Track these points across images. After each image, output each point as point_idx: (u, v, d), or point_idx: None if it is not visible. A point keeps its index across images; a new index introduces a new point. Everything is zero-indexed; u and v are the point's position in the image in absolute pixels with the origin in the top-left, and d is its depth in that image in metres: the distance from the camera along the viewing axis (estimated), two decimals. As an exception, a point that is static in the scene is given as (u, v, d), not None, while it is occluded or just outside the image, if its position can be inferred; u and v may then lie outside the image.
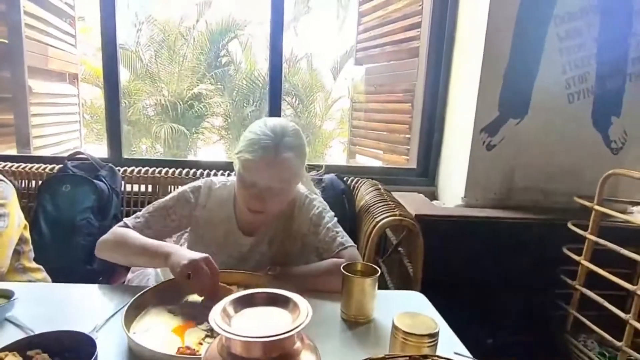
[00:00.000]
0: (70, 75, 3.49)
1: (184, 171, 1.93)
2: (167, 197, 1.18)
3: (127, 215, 1.88)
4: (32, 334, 0.73)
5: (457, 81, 2.22)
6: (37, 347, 0.65)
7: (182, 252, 0.95)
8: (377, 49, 3.06)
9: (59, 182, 1.70)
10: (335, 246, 1.07)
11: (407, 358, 0.49)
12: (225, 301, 0.53)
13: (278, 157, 1.01)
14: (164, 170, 1.93)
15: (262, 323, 0.51)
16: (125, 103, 8.51)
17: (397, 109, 2.86)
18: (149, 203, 1.88)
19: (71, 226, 1.62)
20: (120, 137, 2.29)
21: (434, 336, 0.62)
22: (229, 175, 1.80)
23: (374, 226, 1.25)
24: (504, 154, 2.04)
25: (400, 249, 1.46)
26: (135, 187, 1.93)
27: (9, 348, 0.63)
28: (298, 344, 0.50)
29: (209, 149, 9.88)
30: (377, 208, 1.37)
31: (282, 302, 0.53)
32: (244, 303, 0.54)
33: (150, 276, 1.51)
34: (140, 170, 1.91)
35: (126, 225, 1.10)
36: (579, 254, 1.73)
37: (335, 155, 9.95)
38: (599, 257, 1.70)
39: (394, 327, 0.65)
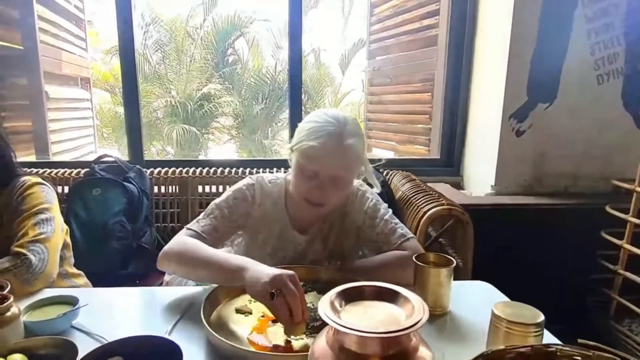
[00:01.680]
0: (82, 79, 3.47)
1: (211, 170, 1.91)
2: (224, 197, 1.13)
3: (158, 218, 1.88)
4: (105, 340, 0.71)
5: (481, 68, 2.18)
6: (116, 354, 0.63)
7: (260, 267, 0.84)
8: (392, 39, 3.02)
9: (89, 186, 1.69)
10: (395, 238, 1.05)
11: (529, 348, 0.46)
12: (332, 294, 0.51)
13: (344, 143, 0.98)
14: (191, 170, 1.90)
15: (374, 318, 0.48)
16: None
17: (416, 100, 2.82)
18: (178, 204, 1.90)
19: (104, 230, 1.61)
20: (141, 138, 2.27)
21: (539, 325, 0.60)
22: (270, 172, 1.77)
23: (422, 216, 1.22)
24: (534, 139, 2.01)
25: (441, 239, 1.44)
26: (162, 188, 1.91)
27: (90, 356, 0.61)
28: (414, 340, 0.48)
29: (219, 149, 9.84)
30: (420, 199, 1.34)
31: (390, 297, 0.51)
32: (350, 296, 0.51)
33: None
34: (167, 171, 1.89)
35: (196, 233, 1.03)
36: (617, 238, 1.70)
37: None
38: (636, 240, 1.67)
39: (496, 317, 0.63)
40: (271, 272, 0.80)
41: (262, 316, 0.86)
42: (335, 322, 0.46)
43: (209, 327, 0.75)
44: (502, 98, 1.97)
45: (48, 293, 0.90)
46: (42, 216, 1.11)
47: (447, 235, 1.38)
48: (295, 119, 2.39)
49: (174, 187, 1.88)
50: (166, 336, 0.70)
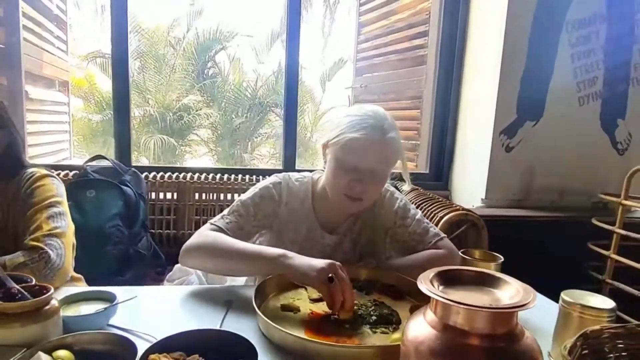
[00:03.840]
0: (61, 82, 3.33)
1: (210, 176, 1.87)
2: (249, 195, 1.10)
3: (154, 224, 1.80)
4: (152, 338, 0.65)
5: (470, 86, 2.28)
6: (177, 349, 0.58)
7: (304, 257, 0.88)
8: (380, 58, 3.11)
9: (83, 187, 1.60)
10: (429, 237, 1.05)
11: (623, 329, 0.48)
12: (429, 275, 0.51)
13: (386, 136, 0.98)
14: (189, 175, 1.85)
15: (477, 298, 0.48)
16: (111, 114, 8.17)
17: (404, 116, 2.90)
18: (175, 210, 1.83)
19: (100, 234, 1.52)
20: (129, 143, 2.20)
21: (613, 310, 0.62)
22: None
23: (438, 222, 1.24)
24: (522, 155, 2.10)
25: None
26: (155, 195, 1.85)
27: (151, 351, 0.56)
28: (520, 325, 0.48)
29: (197, 161, 9.61)
30: (431, 205, 1.36)
31: (490, 281, 0.51)
32: (447, 280, 0.51)
33: (194, 283, 1.43)
34: (163, 176, 1.83)
35: (220, 228, 1.01)
36: (604, 249, 1.79)
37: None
38: (621, 252, 1.77)
39: (567, 304, 0.64)
40: (323, 261, 0.84)
41: (311, 312, 0.84)
42: (441, 296, 0.46)
43: (269, 320, 0.73)
44: (493, 115, 2.06)
45: (78, 289, 0.84)
46: (55, 210, 1.04)
47: (456, 240, 1.40)
48: (290, 129, 2.40)
49: (172, 193, 1.82)
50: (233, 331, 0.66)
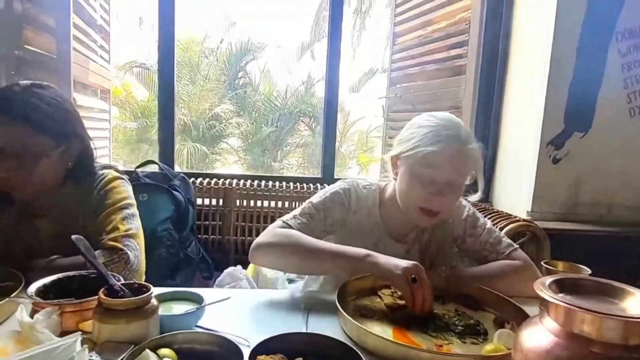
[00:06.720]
0: (102, 91, 3.43)
1: (255, 183, 1.88)
2: (319, 198, 1.08)
3: (200, 229, 1.83)
4: (246, 341, 0.65)
5: (514, 97, 2.25)
6: (277, 351, 0.58)
7: (390, 257, 0.89)
8: (416, 68, 3.11)
9: (136, 191, 1.60)
10: (503, 247, 1.03)
11: None
12: (546, 281, 0.49)
13: (467, 147, 0.96)
14: (234, 181, 1.88)
15: (603, 308, 0.46)
16: (146, 123, 8.46)
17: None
18: (221, 216, 1.85)
19: (152, 237, 1.54)
20: (173, 150, 2.25)
21: None
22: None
23: (498, 232, 1.22)
24: (570, 167, 2.05)
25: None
26: (199, 200, 1.88)
27: (257, 351, 0.56)
28: None
29: (227, 170, 9.76)
30: (488, 216, 1.34)
31: (611, 292, 0.49)
32: (565, 287, 0.49)
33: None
34: (210, 182, 1.86)
35: (291, 227, 1.00)
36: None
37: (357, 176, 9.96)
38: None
39: None
40: (408, 261, 0.86)
41: (394, 326, 0.82)
42: (566, 303, 0.44)
43: (364, 327, 0.72)
44: (540, 125, 2.02)
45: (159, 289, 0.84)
46: (128, 211, 1.07)
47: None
48: (329, 138, 2.41)
49: (217, 199, 1.84)
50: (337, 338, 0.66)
